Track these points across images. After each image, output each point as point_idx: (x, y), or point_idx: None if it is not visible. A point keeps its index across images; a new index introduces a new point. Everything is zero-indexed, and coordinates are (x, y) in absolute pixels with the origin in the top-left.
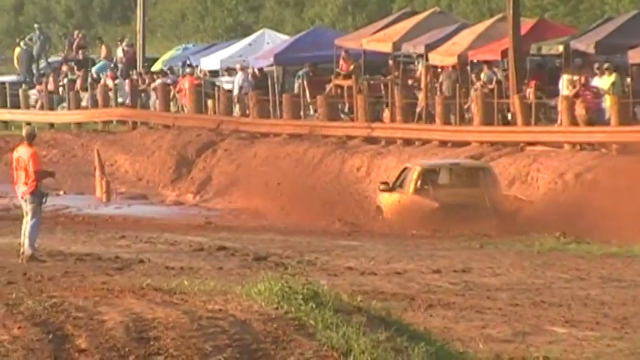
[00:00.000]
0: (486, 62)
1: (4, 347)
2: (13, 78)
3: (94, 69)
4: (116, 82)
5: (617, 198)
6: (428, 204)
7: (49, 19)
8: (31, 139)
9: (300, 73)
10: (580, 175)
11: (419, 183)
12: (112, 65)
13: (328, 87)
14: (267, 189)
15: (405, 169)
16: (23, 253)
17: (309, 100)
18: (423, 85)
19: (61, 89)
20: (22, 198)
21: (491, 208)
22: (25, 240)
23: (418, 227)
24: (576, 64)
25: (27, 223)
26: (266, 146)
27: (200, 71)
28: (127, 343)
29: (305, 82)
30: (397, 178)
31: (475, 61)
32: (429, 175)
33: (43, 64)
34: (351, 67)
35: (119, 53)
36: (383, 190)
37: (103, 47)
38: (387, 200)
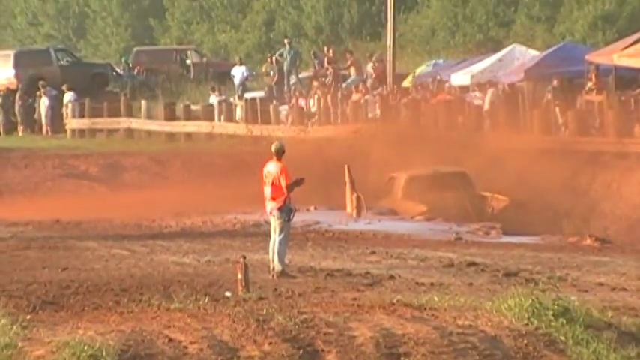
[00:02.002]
0: None
1: None
2: (263, 93)
3: (344, 84)
4: (366, 97)
5: None
6: (415, 207)
7: (299, 34)
8: (280, 154)
9: (549, 88)
10: None
11: (405, 190)
12: (363, 81)
13: (578, 102)
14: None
15: (391, 178)
16: (274, 268)
17: (558, 116)
18: None
19: (312, 105)
20: (271, 214)
21: (469, 207)
22: (274, 256)
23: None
24: None
25: (275, 239)
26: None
27: (450, 87)
28: (378, 359)
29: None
30: (385, 187)
31: None
32: (412, 182)
33: (293, 79)
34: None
35: (369, 69)
36: None
37: (351, 60)
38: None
